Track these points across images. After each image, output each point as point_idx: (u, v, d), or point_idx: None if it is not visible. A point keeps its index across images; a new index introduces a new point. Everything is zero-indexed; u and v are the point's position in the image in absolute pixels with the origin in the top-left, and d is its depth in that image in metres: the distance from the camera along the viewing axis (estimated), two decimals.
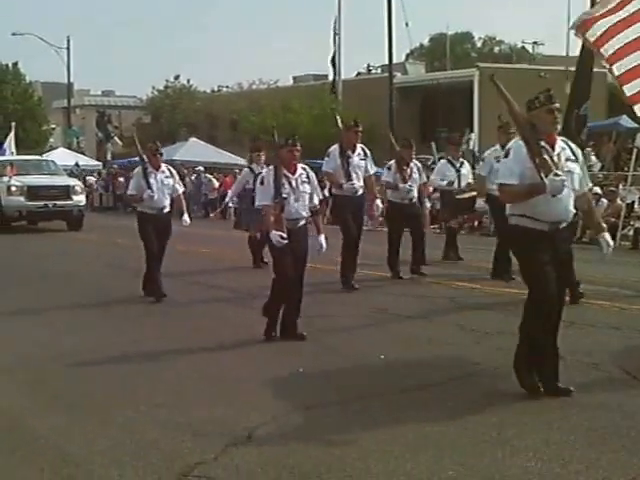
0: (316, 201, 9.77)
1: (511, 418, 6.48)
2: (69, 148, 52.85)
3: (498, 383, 7.50)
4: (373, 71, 62.56)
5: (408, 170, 14.45)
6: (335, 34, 45.88)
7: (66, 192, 27.69)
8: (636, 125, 29.41)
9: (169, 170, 12.91)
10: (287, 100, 47.99)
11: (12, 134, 35.41)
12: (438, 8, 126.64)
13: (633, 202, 22.62)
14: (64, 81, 61.79)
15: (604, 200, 23.04)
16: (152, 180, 12.49)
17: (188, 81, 62.48)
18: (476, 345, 9.02)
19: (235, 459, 5.67)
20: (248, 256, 16.44)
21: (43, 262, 18.62)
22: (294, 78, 61.20)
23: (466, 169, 17.28)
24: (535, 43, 71.95)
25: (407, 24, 41.21)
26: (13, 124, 37.17)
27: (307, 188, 9.60)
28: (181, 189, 13.20)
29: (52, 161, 32.41)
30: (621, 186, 23.93)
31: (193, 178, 38.81)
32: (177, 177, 13.20)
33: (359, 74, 62.89)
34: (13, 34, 57.89)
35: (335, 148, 13.53)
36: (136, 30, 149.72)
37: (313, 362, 8.45)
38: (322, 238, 9.84)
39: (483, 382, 7.54)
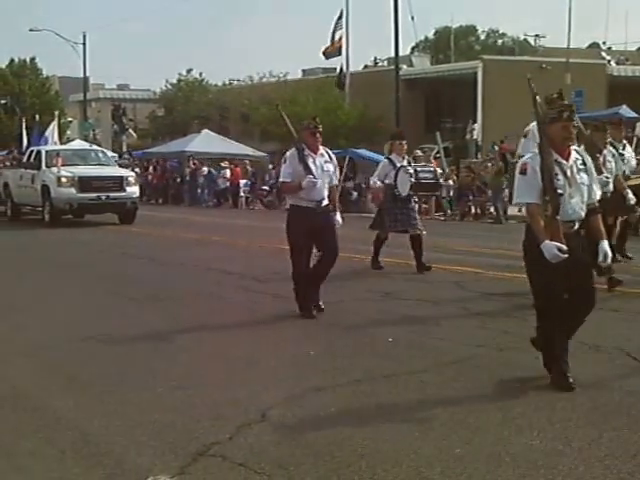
0: (596, 196, 7.21)
1: (516, 398, 6.64)
2: (85, 140, 53.03)
3: (503, 364, 7.66)
4: (380, 64, 62.66)
5: (601, 158, 11.75)
6: (335, 26, 46.02)
7: (119, 183, 25.75)
8: (636, 115, 29.58)
9: (328, 154, 10.41)
10: (295, 93, 48.14)
11: (55, 123, 33.38)
12: (443, 2, 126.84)
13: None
14: (80, 75, 62.09)
15: None
16: (311, 165, 10.09)
17: (200, 74, 62.75)
18: (481, 329, 9.16)
19: (249, 439, 5.79)
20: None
21: (60, 250, 18.85)
22: (303, 71, 61.22)
23: (629, 152, 14.18)
24: (537, 36, 72.15)
25: (413, 18, 41.42)
26: (56, 113, 35.34)
27: (584, 178, 7.09)
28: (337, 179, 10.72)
29: (102, 151, 30.78)
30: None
31: (205, 169, 39.40)
32: (336, 162, 10.74)
33: (366, 67, 62.97)
34: (31, 30, 58.12)
35: None
36: (150, 25, 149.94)
37: (323, 345, 8.59)
38: (606, 244, 7.13)
39: (488, 364, 7.67)
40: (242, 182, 37.89)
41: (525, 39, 77.27)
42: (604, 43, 65.75)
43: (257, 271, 13.87)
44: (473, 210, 28.80)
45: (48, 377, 7.63)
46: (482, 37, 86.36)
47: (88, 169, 26.08)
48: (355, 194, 33.53)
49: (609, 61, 51.67)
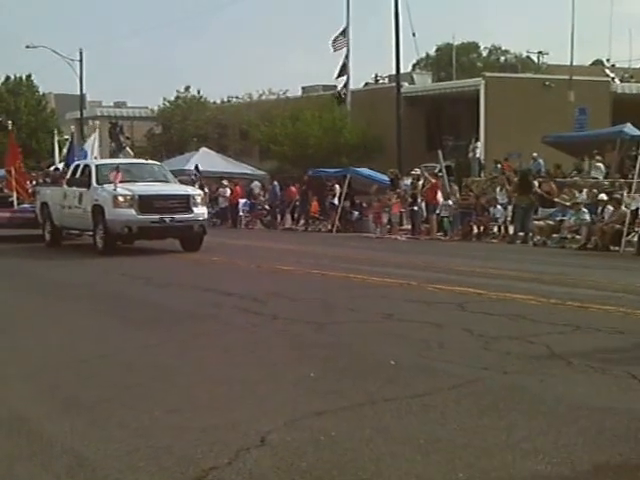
0: None
1: (520, 422, 6.53)
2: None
3: (507, 387, 7.55)
4: (381, 81, 62.82)
5: None
6: (335, 42, 46.26)
7: (185, 203, 22.13)
8: None
9: None
10: (296, 110, 48.22)
11: (96, 134, 31.08)
12: (444, 18, 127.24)
13: (637, 209, 22.69)
14: (77, 93, 62.21)
15: (609, 207, 23.17)
16: None
17: (198, 92, 62.86)
18: (484, 351, 9.08)
19: (248, 463, 5.71)
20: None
21: (56, 271, 18.83)
22: (303, 88, 61.40)
23: None
24: (540, 53, 72.50)
25: (414, 34, 41.42)
26: (97, 122, 33.68)
27: None
28: None
29: (160, 165, 27.09)
30: (625, 193, 24.04)
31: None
32: None
33: (367, 84, 63.14)
34: (27, 47, 58.33)
35: None
36: (147, 42, 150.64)
37: (324, 368, 8.49)
38: None
39: (492, 387, 7.58)
40: (241, 201, 37.90)
41: (528, 56, 77.65)
42: (608, 60, 65.83)
43: (256, 292, 13.80)
44: (475, 230, 28.66)
45: (45, 400, 7.56)
46: (484, 54, 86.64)
47: (148, 186, 22.50)
48: (356, 213, 33.47)
49: (613, 78, 51.71)
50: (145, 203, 21.47)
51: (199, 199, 22.82)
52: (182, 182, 27.51)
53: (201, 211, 22.55)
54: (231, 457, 5.81)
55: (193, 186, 28.47)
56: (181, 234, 22.33)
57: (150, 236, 22.41)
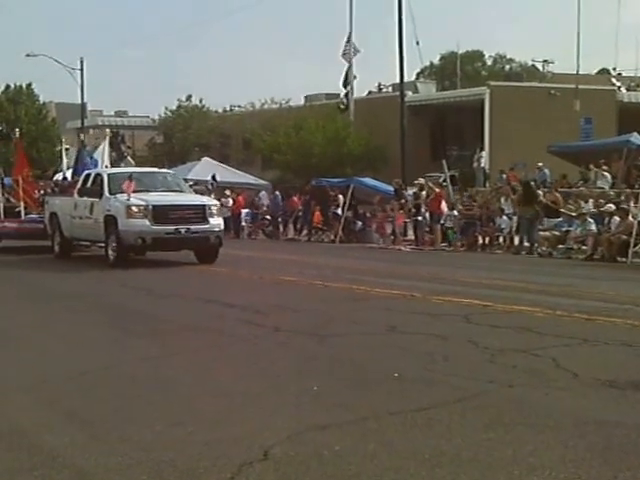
0: None
1: (527, 436, 6.46)
2: None
3: (513, 401, 7.49)
4: (384, 90, 62.85)
5: None
6: (344, 54, 46.32)
7: (201, 213, 21.48)
8: None
9: None
10: (300, 119, 48.24)
11: (106, 143, 29.74)
12: (449, 27, 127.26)
13: None
14: (78, 102, 62.26)
15: (616, 217, 23.03)
16: None
17: (200, 101, 62.90)
18: (490, 363, 9.01)
19: (251, 478, 5.66)
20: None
21: (57, 281, 18.79)
22: (306, 97, 61.48)
23: None
24: (545, 61, 72.43)
25: (418, 43, 41.50)
26: (107, 130, 32.73)
27: None
28: None
29: (173, 174, 26.42)
30: (632, 203, 23.89)
31: None
32: None
33: (370, 93, 63.16)
34: (27, 55, 58.39)
35: None
36: (149, 51, 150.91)
37: (327, 380, 8.43)
38: None
39: (498, 400, 7.52)
40: (244, 212, 37.78)
41: (533, 65, 77.62)
42: (614, 69, 65.75)
43: (259, 304, 13.75)
44: (481, 240, 28.54)
45: (46, 413, 7.50)
46: (489, 63, 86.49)
47: (162, 196, 21.85)
48: (359, 224, 33.31)
49: (619, 87, 51.68)
50: (159, 213, 20.82)
51: (215, 209, 22.14)
52: (197, 192, 26.76)
53: (217, 222, 21.85)
54: (234, 471, 5.76)
55: (209, 196, 27.65)
56: (197, 245, 21.64)
57: (165, 247, 21.57)
